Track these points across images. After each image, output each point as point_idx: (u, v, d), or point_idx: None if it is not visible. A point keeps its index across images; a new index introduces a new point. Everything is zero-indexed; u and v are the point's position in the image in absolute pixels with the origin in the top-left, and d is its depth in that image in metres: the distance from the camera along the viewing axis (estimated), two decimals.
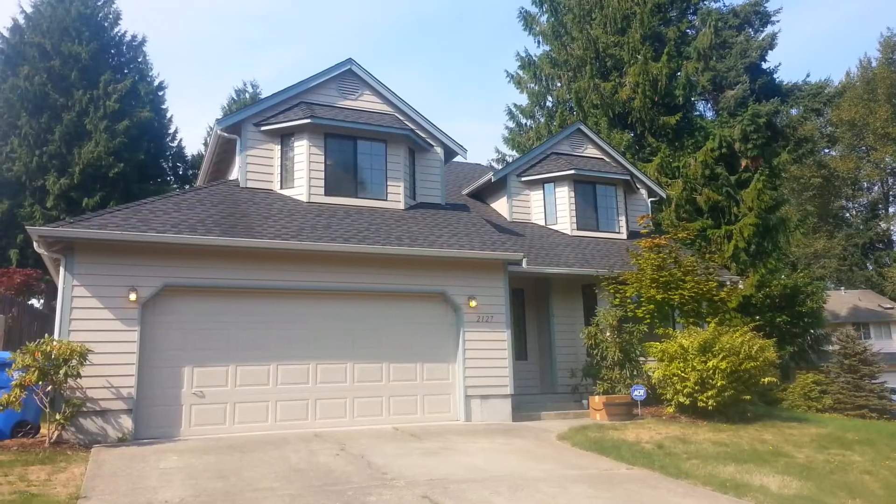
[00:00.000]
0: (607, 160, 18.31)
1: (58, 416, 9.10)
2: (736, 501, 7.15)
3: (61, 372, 8.90)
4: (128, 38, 28.05)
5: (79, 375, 9.13)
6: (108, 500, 6.52)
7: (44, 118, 23.98)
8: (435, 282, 12.32)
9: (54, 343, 9.12)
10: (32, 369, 8.84)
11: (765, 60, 31.11)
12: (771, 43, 30.84)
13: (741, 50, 29.88)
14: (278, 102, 13.65)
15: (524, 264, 13.03)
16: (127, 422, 9.81)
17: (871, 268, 52.33)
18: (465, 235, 13.25)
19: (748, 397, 11.77)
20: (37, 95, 24.05)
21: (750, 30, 31.74)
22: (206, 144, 30.37)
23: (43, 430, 9.44)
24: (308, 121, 13.16)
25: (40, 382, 8.96)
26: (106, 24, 27.14)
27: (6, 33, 25.23)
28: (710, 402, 11.39)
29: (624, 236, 17.47)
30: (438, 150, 14.89)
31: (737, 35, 30.67)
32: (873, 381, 21.90)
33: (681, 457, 9.11)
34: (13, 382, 8.85)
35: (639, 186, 18.64)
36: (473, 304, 12.37)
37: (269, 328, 11.12)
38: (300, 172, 13.26)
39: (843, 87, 45.23)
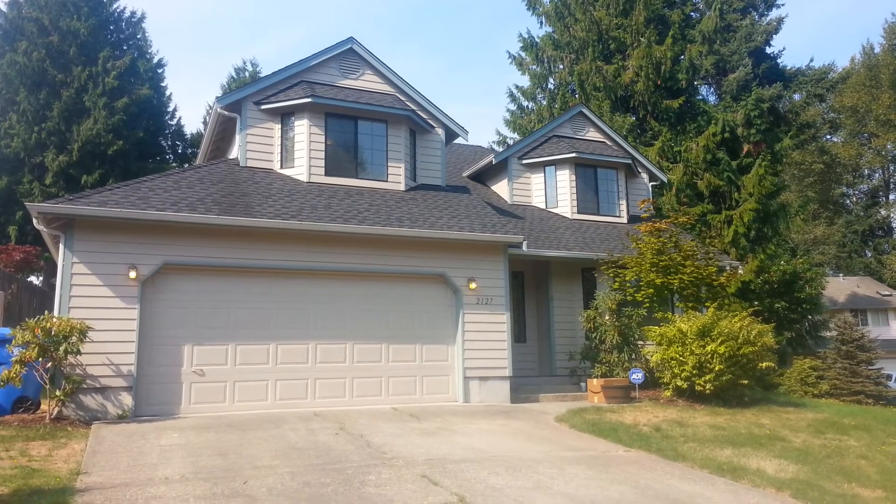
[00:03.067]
0: (609, 143, 18.23)
1: (58, 393, 9.13)
2: (732, 484, 7.20)
3: (61, 349, 8.93)
4: (126, 14, 27.87)
5: (79, 352, 9.15)
6: (108, 476, 6.55)
7: (42, 94, 23.84)
8: (435, 263, 12.31)
9: (54, 320, 9.13)
10: (32, 346, 8.85)
11: (769, 45, 30.91)
12: (776, 27, 30.61)
13: (746, 34, 29.68)
14: (279, 81, 13.54)
15: (524, 247, 13.03)
16: (127, 399, 9.85)
17: (870, 255, 52.39)
18: (466, 217, 13.22)
19: (746, 382, 11.80)
20: (35, 71, 23.89)
21: (755, 13, 31.48)
22: (205, 123, 30.19)
23: (43, 407, 9.48)
24: (308, 100, 13.06)
25: (40, 359, 8.99)
26: (105, 0, 26.87)
27: (4, 8, 25.03)
28: (708, 386, 11.43)
29: (624, 220, 17.44)
30: (439, 131, 14.80)
31: (742, 19, 30.43)
32: (870, 368, 21.99)
33: (678, 440, 9.16)
34: (13, 358, 8.87)
35: (640, 170, 18.58)
36: (473, 286, 12.38)
37: (269, 308, 11.14)
38: (300, 152, 13.19)
39: (846, 72, 44.92)
